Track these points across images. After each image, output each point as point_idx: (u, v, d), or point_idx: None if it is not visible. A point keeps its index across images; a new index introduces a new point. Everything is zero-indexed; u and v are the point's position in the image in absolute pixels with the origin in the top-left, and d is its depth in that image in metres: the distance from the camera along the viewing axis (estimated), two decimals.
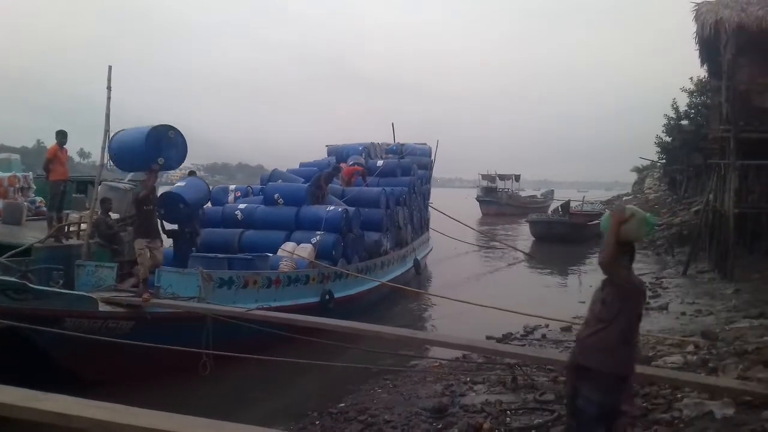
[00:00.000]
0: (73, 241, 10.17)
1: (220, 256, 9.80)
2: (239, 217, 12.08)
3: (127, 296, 8.19)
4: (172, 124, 9.28)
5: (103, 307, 7.59)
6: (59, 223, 10.38)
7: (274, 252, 10.53)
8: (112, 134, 9.21)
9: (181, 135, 9.21)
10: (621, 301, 3.96)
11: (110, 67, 9.25)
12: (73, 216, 11.31)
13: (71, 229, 10.74)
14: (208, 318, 7.35)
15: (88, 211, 10.17)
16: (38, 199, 13.68)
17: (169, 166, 9.29)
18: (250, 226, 11.86)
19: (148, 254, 8.53)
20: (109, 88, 9.20)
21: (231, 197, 13.46)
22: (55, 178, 10.40)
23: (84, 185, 14.11)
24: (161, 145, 8.83)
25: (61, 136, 10.53)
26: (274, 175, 14.58)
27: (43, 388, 3.27)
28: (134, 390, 6.84)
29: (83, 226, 10.25)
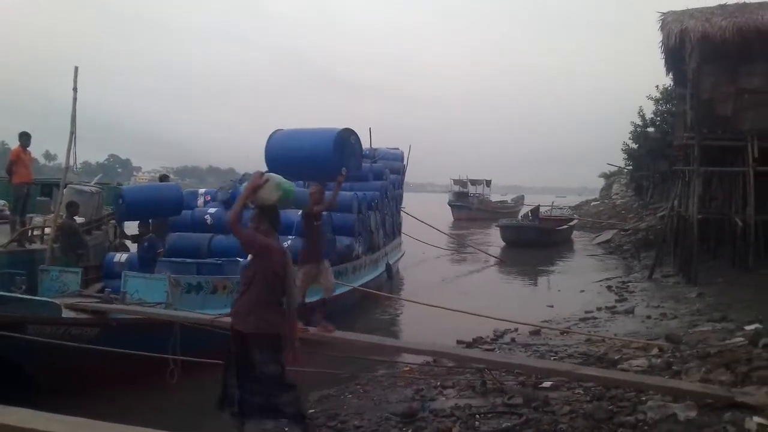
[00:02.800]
0: (37, 246, 9.96)
1: (188, 260, 9.66)
2: (209, 221, 11.93)
3: (91, 302, 8.02)
4: (350, 127, 7.59)
5: (67, 313, 7.42)
6: (22, 227, 10.16)
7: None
8: (270, 134, 7.45)
9: (359, 140, 7.81)
10: (255, 262, 4.25)
11: (76, 68, 9.09)
12: (37, 220, 11.07)
13: (35, 233, 10.51)
14: (175, 324, 7.24)
15: (52, 215, 9.96)
16: (1, 202, 13.35)
17: (349, 177, 7.63)
18: (220, 231, 11.70)
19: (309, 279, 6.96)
20: (75, 89, 9.03)
21: (200, 201, 13.29)
22: (19, 181, 10.18)
23: (49, 188, 13.83)
24: (345, 153, 7.37)
25: (25, 138, 10.30)
26: (245, 179, 14.47)
27: (2, 398, 3.18)
28: (98, 399, 6.70)
29: (47, 230, 10.04)
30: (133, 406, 6.93)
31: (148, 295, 8.06)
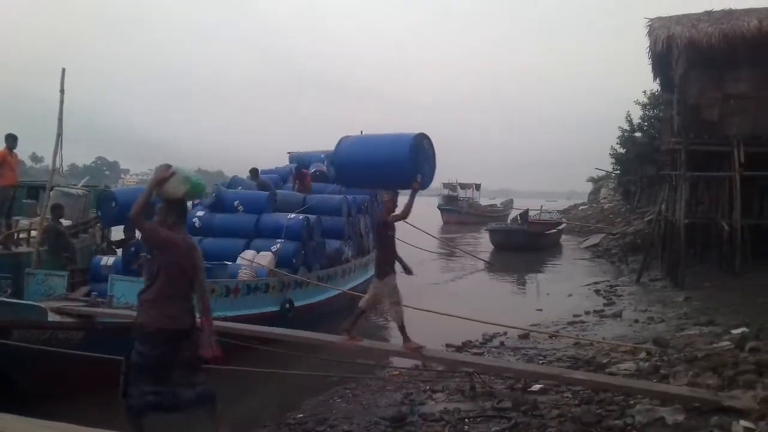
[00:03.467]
0: (23, 249, 9.86)
1: None
2: (197, 224, 11.85)
3: (78, 306, 7.94)
4: (424, 132, 6.96)
5: (52, 317, 7.34)
6: (8, 229, 10.05)
7: (233, 260, 10.37)
8: (340, 139, 6.94)
9: (432, 145, 7.19)
10: (159, 256, 4.26)
11: (64, 70, 9.02)
12: (23, 222, 10.96)
13: (21, 236, 10.41)
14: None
15: (38, 218, 9.86)
16: None
17: (423, 184, 6.98)
18: (208, 234, 11.64)
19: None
20: (62, 91, 8.96)
21: (188, 204, 13.23)
22: (4, 184, 10.08)
23: (35, 191, 13.69)
24: (419, 159, 6.75)
25: (11, 140, 10.21)
26: (234, 182, 14.40)
27: None
28: (84, 404, 6.63)
29: (33, 233, 9.94)
30: (119, 412, 6.86)
31: (135, 298, 7.95)
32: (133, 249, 9.57)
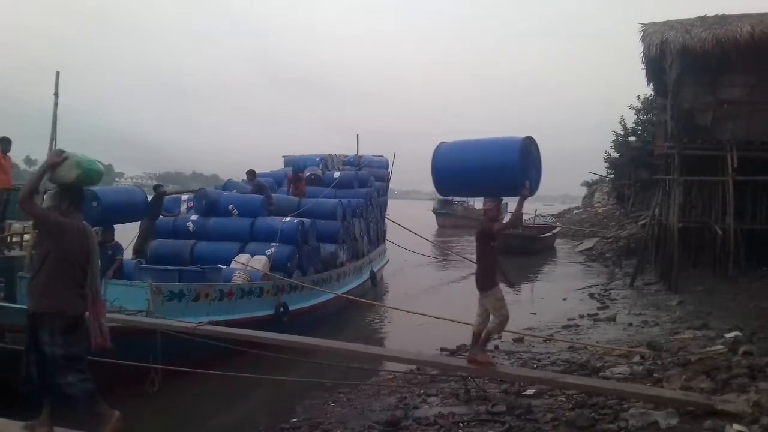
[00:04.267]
0: (16, 252, 9.80)
1: (170, 268, 9.56)
2: (191, 228, 11.83)
3: None
4: (531, 135, 6.57)
5: None
6: (1, 233, 9.99)
7: (228, 264, 10.35)
8: (437, 145, 6.53)
9: (539, 150, 6.75)
10: (48, 241, 4.31)
11: (58, 73, 9.01)
12: (16, 226, 10.89)
13: (14, 239, 10.35)
14: (156, 332, 7.15)
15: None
16: None
17: (531, 191, 6.60)
18: (202, 238, 11.63)
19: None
20: (56, 94, 8.95)
21: (183, 208, 13.18)
22: None
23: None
24: (527, 163, 6.32)
25: (5, 143, 10.16)
26: (229, 186, 14.38)
27: None
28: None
29: (26, 236, 9.89)
30: None
31: (128, 302, 7.95)
32: (110, 252, 9.34)
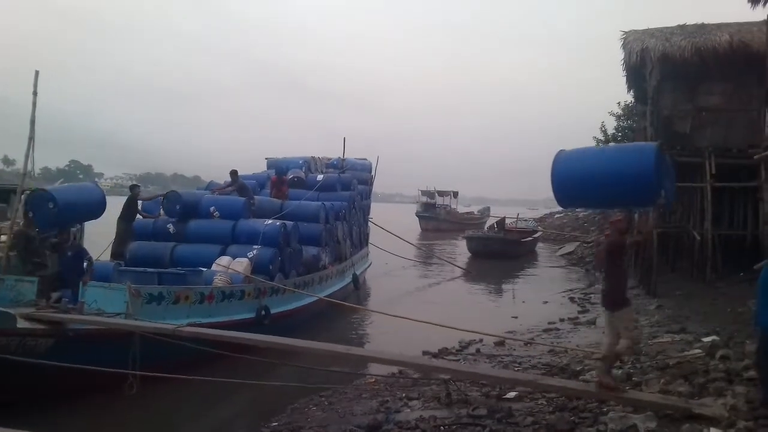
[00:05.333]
0: None
1: (149, 270, 9.46)
2: (171, 230, 11.71)
3: (48, 312, 7.76)
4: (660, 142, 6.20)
5: (22, 324, 7.17)
6: None
7: (209, 267, 10.26)
8: (557, 152, 6.11)
9: (670, 157, 6.23)
10: None
11: (37, 72, 8.86)
12: None
13: None
14: (135, 335, 7.06)
15: (8, 222, 9.64)
16: None
17: (666, 202, 6.32)
18: (182, 240, 11.52)
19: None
20: (35, 93, 8.80)
21: (162, 210, 13.04)
22: None
23: (6, 194, 13.36)
24: (662, 172, 5.84)
25: None
26: (211, 187, 14.28)
27: None
28: (54, 411, 6.51)
29: (3, 237, 9.71)
30: (88, 419, 6.74)
31: (107, 305, 7.84)
32: (71, 253, 9.15)
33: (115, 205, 11.73)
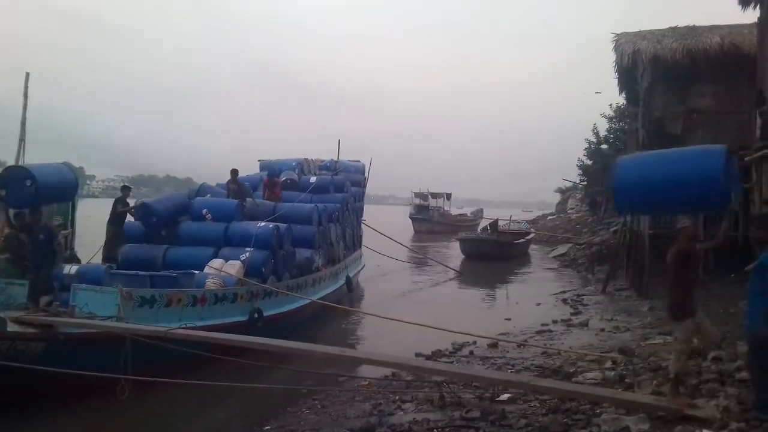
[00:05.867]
0: None
1: (141, 273, 9.40)
2: (163, 232, 11.66)
3: (38, 315, 7.71)
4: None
5: (12, 327, 7.12)
6: None
7: (201, 269, 10.22)
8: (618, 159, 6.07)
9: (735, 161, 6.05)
10: None
11: (27, 74, 8.85)
12: None
13: None
14: (126, 338, 7.02)
15: None
16: None
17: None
18: (175, 242, 11.46)
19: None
20: (25, 95, 8.79)
21: None
22: None
23: None
24: (730, 175, 5.61)
25: None
26: (203, 190, 14.22)
27: None
28: (45, 415, 6.46)
29: None
30: (79, 423, 6.70)
31: (98, 308, 7.78)
32: (43, 236, 8.96)
33: (106, 208, 11.67)
